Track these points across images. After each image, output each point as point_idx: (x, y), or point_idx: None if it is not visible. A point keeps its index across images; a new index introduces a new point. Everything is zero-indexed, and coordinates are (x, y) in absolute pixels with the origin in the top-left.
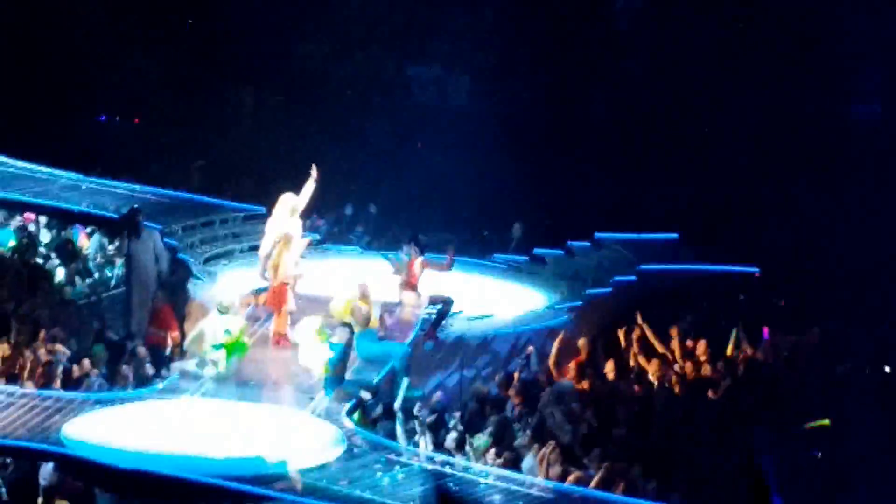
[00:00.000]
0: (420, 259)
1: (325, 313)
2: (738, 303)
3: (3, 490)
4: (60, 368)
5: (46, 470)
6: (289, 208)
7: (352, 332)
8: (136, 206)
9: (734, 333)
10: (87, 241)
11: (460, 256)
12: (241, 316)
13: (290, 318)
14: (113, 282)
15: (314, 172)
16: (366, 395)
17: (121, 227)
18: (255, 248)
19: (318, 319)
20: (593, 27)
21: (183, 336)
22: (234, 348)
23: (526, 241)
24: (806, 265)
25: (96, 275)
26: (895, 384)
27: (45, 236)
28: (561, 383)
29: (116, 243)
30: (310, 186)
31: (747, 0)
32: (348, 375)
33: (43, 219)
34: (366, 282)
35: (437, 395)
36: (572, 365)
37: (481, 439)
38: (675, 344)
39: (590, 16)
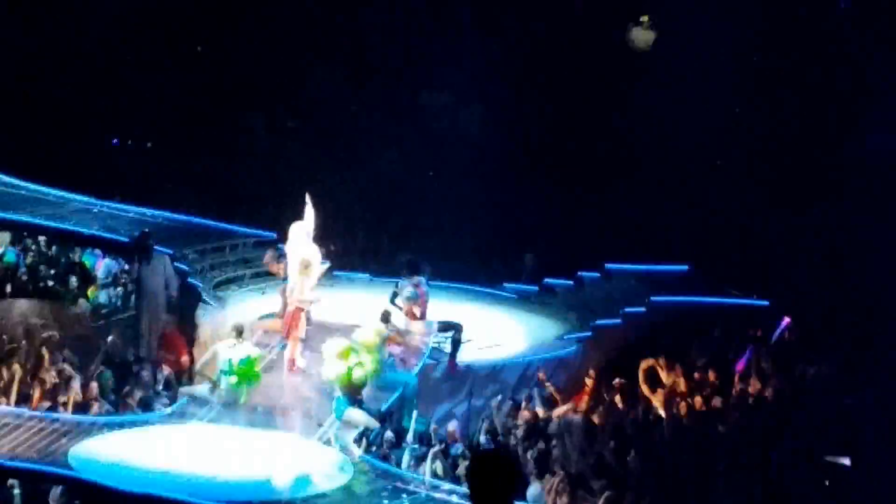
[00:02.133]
0: (423, 284)
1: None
2: (749, 335)
3: None
4: (69, 392)
5: (55, 494)
6: (303, 234)
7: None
8: (146, 230)
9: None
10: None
11: (471, 285)
12: (256, 344)
13: (301, 344)
14: (122, 306)
15: (308, 200)
16: (372, 424)
17: (132, 251)
18: (265, 275)
19: (344, 342)
20: (605, 56)
21: (192, 360)
22: (247, 375)
23: (537, 271)
24: (820, 296)
25: (106, 299)
26: None
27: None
28: (571, 413)
29: (126, 267)
30: (310, 212)
31: (761, 31)
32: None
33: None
34: (387, 308)
35: (452, 423)
36: (582, 395)
37: None
38: (684, 375)
39: (602, 45)
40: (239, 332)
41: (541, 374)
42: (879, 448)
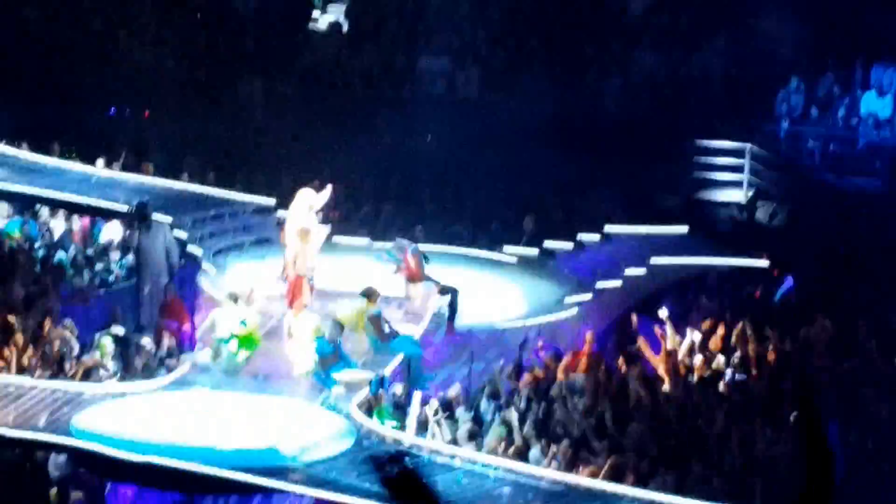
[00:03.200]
0: (410, 250)
1: (326, 314)
2: (749, 296)
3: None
4: (71, 360)
5: (58, 461)
6: (307, 204)
7: (341, 329)
8: (145, 198)
9: (740, 327)
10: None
11: (471, 249)
12: (254, 309)
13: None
14: (123, 274)
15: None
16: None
17: (131, 220)
18: (264, 241)
19: (316, 318)
20: (605, 17)
21: (193, 328)
22: (246, 341)
23: (537, 234)
24: (818, 258)
25: (107, 267)
26: None
27: (56, 227)
28: (572, 376)
29: (126, 235)
30: (326, 194)
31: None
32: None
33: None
34: (372, 284)
35: (454, 388)
36: (581, 358)
37: (498, 429)
38: (684, 338)
39: (602, 6)
40: (235, 298)
41: (539, 343)
42: (877, 408)
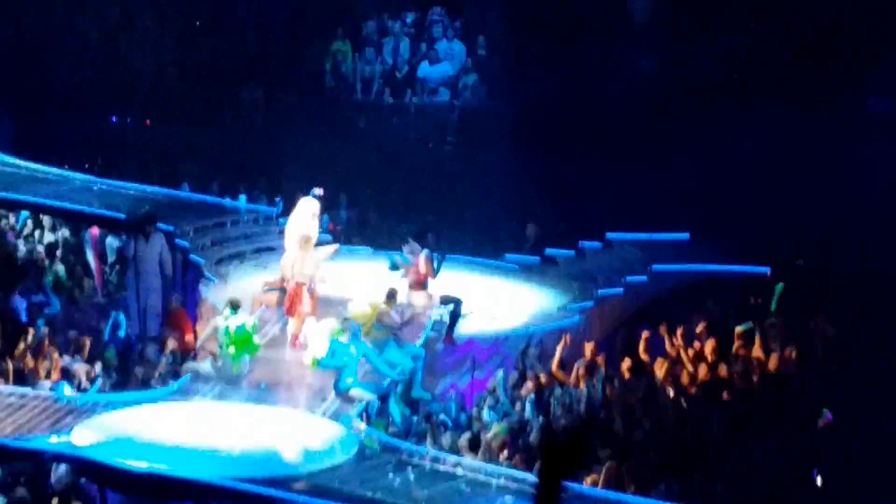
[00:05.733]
0: (424, 255)
1: (341, 315)
2: (750, 303)
3: (21, 491)
4: (72, 370)
5: (59, 472)
6: (309, 212)
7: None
8: (150, 211)
9: (746, 328)
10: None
11: (473, 257)
12: (254, 316)
13: (306, 319)
14: (123, 284)
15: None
16: (360, 395)
17: (133, 229)
18: (266, 250)
19: (334, 322)
20: (606, 23)
21: (196, 337)
22: (244, 345)
23: (538, 241)
24: (820, 262)
25: (110, 277)
26: None
27: (49, 237)
28: (575, 384)
29: (123, 244)
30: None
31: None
32: (361, 377)
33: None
34: (395, 286)
35: (455, 396)
36: (583, 365)
37: (498, 427)
38: (686, 343)
39: (603, 12)
40: (234, 306)
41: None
42: (881, 413)
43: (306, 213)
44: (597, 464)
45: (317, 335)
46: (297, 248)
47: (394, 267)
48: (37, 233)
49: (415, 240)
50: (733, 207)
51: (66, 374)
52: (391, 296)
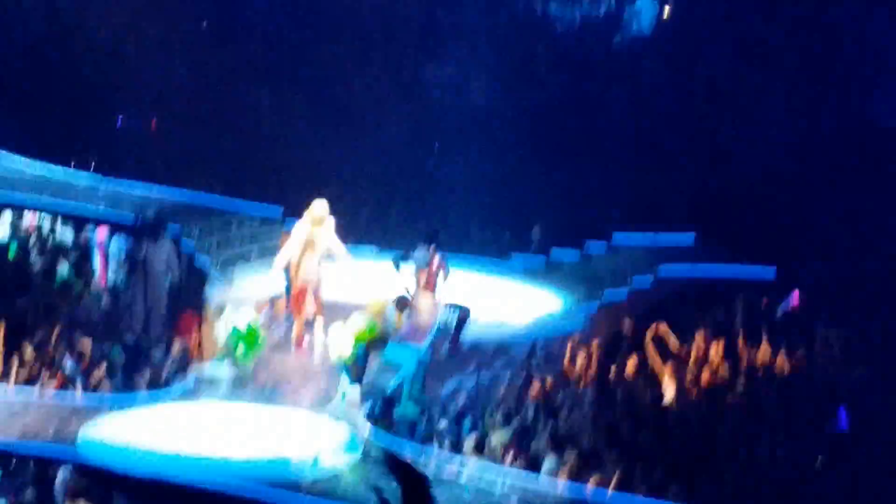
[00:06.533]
0: (438, 257)
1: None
2: (757, 305)
3: (26, 494)
4: (78, 371)
5: (65, 475)
6: (316, 217)
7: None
8: (162, 215)
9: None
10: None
11: (479, 256)
12: (260, 314)
13: (310, 320)
14: (129, 286)
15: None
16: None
17: (141, 232)
18: (271, 250)
19: (359, 321)
20: (613, 28)
21: (202, 339)
22: (250, 341)
23: (544, 242)
24: (825, 267)
25: (115, 279)
26: None
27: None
28: (581, 386)
29: (131, 246)
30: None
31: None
32: (367, 379)
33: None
34: (406, 294)
35: (461, 399)
36: (589, 367)
37: (504, 431)
38: (691, 347)
39: (608, 17)
40: (238, 307)
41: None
42: (884, 420)
43: (312, 217)
44: (603, 467)
45: (341, 335)
46: (300, 249)
47: (398, 266)
48: (44, 233)
49: (426, 240)
50: (739, 209)
51: (72, 376)
52: (401, 305)
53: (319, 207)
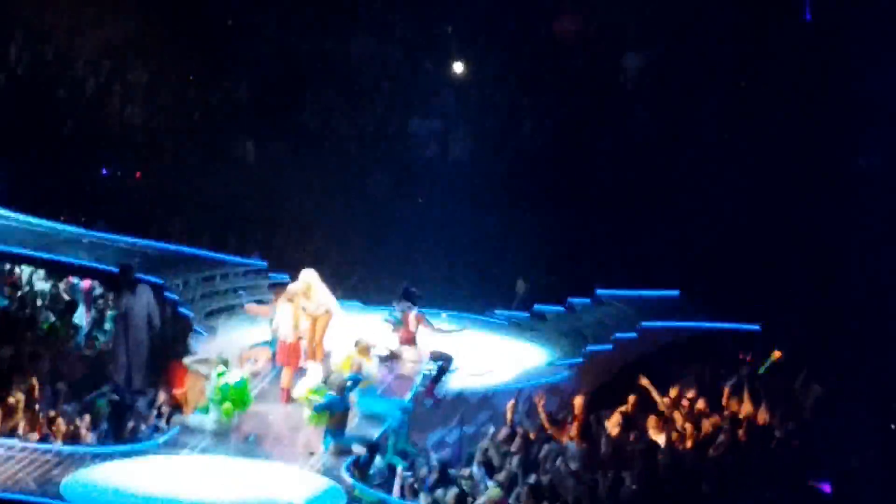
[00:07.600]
0: (414, 312)
1: (326, 369)
2: (740, 360)
3: None
4: (61, 422)
5: None
6: (305, 286)
7: (347, 383)
8: (127, 262)
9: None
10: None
11: (462, 313)
12: (244, 370)
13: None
14: (111, 336)
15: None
16: (359, 450)
17: (115, 282)
18: (256, 303)
19: (315, 379)
20: (597, 83)
21: (186, 390)
22: (240, 401)
23: (528, 297)
24: (810, 321)
25: (98, 329)
26: None
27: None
28: (564, 440)
29: (112, 297)
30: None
31: (752, 56)
32: (350, 430)
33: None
34: (366, 337)
35: (444, 452)
36: (573, 421)
37: (493, 490)
38: (675, 401)
39: (593, 72)
40: (225, 362)
41: (536, 399)
42: (867, 472)
43: (307, 286)
44: None
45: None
46: (292, 306)
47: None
48: (28, 284)
49: (402, 298)
50: (724, 265)
51: (55, 426)
52: (364, 349)
53: (302, 279)
